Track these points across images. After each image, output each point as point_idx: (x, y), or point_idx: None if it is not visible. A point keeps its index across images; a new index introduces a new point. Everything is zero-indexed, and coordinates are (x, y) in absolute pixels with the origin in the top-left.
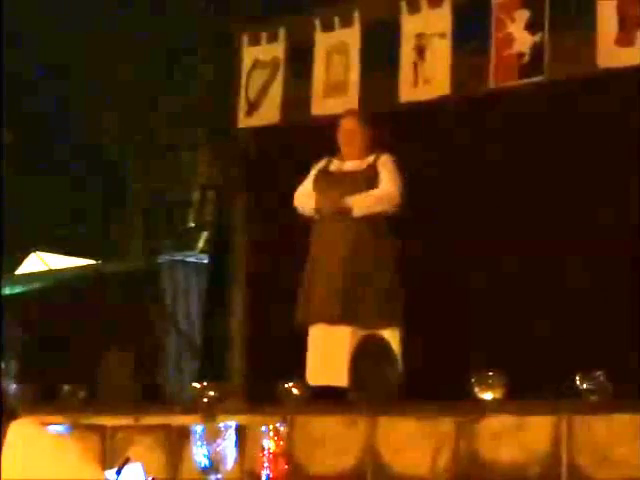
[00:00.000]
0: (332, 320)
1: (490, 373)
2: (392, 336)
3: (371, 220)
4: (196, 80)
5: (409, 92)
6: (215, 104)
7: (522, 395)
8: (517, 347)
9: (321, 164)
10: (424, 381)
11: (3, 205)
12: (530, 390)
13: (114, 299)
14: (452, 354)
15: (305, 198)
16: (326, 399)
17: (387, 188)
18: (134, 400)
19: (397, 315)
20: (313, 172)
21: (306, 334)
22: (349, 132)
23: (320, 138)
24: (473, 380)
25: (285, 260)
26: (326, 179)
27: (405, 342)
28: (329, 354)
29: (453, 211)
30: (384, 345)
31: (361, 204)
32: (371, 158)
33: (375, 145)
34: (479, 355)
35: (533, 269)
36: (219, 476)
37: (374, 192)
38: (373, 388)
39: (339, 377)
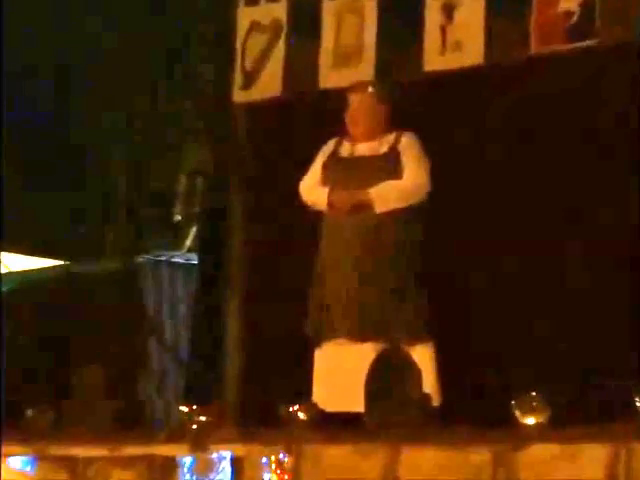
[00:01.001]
0: (352, 335)
1: (533, 394)
2: (422, 352)
3: (395, 215)
4: (184, 47)
5: (435, 60)
6: (205, 74)
7: (570, 420)
8: (565, 365)
9: (329, 148)
10: (456, 404)
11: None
12: (580, 413)
13: (86, 305)
14: (489, 372)
15: (314, 191)
16: (338, 424)
17: (414, 177)
18: (110, 426)
19: (427, 328)
20: (320, 158)
21: (314, 349)
22: (358, 110)
23: (330, 115)
24: (513, 402)
25: (289, 260)
26: (337, 167)
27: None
28: (346, 374)
29: (490, 204)
30: (406, 360)
31: (384, 198)
32: (391, 138)
33: (394, 122)
34: (520, 374)
35: (581, 277)
36: None
37: (399, 183)
38: (394, 411)
39: (358, 401)
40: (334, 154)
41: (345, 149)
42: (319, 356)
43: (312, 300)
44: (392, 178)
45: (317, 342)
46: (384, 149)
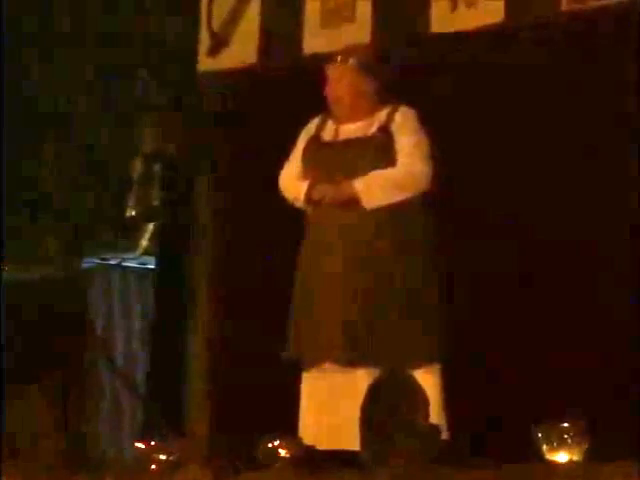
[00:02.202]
0: (340, 361)
1: (565, 425)
2: (427, 377)
3: (393, 210)
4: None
5: (445, 19)
6: (164, 38)
7: (608, 455)
8: (601, 391)
9: (310, 129)
10: (471, 436)
11: None
12: (619, 449)
13: (19, 318)
14: (508, 400)
15: (293, 184)
16: (328, 462)
17: (408, 164)
18: (49, 465)
19: (435, 348)
20: (301, 143)
21: (295, 374)
22: (338, 85)
23: (316, 85)
24: (540, 435)
25: (267, 266)
26: (319, 153)
27: (447, 384)
28: (332, 406)
29: (511, 197)
30: (410, 385)
31: (372, 192)
32: (382, 115)
33: (387, 95)
34: (549, 402)
35: (611, 298)
36: None
37: (389, 172)
38: (396, 445)
39: (349, 438)
40: (316, 138)
41: (328, 131)
42: (305, 384)
43: (291, 317)
44: (384, 164)
45: (301, 367)
46: (373, 130)
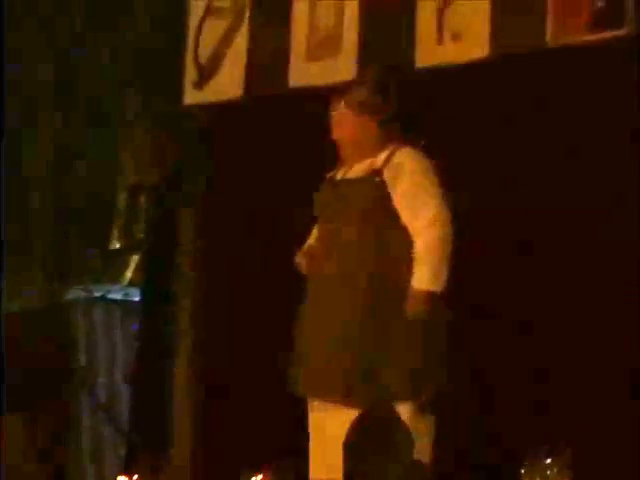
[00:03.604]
0: (328, 396)
1: (548, 462)
2: (410, 412)
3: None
4: (128, 33)
5: (430, 53)
6: (152, 70)
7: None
8: (588, 420)
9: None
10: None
11: None
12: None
13: (1, 351)
14: (494, 435)
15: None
16: None
17: (425, 217)
18: None
19: (420, 384)
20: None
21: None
22: (338, 126)
23: (303, 118)
24: (523, 471)
25: (254, 299)
26: (324, 192)
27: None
28: (328, 441)
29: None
30: (393, 420)
31: (437, 276)
32: (382, 156)
33: (394, 134)
34: (545, 413)
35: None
36: None
37: (424, 250)
38: None
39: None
40: (330, 178)
41: (340, 172)
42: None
43: (295, 348)
44: (374, 206)
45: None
46: (368, 170)
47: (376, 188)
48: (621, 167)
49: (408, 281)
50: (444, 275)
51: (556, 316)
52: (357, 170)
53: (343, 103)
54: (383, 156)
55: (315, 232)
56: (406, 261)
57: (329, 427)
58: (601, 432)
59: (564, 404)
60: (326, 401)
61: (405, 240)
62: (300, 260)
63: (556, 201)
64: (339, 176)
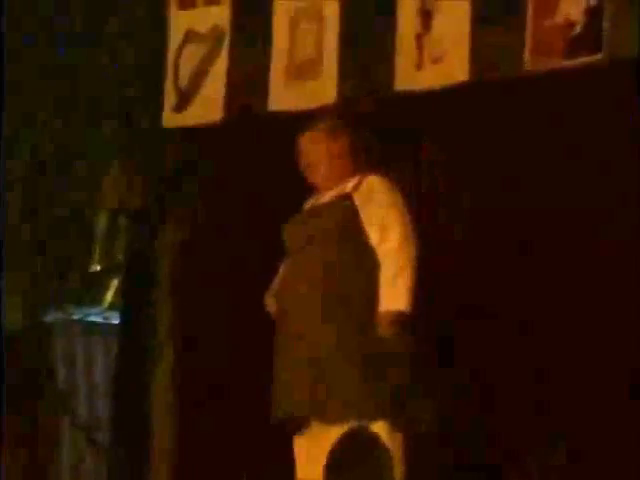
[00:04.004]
0: (296, 411)
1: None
2: (389, 433)
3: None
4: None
5: (409, 77)
6: (132, 94)
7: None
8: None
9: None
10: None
11: None
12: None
13: None
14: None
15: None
16: None
17: (389, 242)
18: None
19: (386, 401)
20: None
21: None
22: (306, 153)
23: (282, 142)
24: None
25: (236, 322)
26: (293, 221)
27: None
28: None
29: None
30: (374, 442)
31: (401, 295)
32: (350, 183)
33: (360, 163)
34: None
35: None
36: None
37: (390, 272)
38: None
39: None
40: (301, 208)
41: (310, 201)
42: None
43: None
44: (341, 232)
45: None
46: (333, 198)
47: (345, 211)
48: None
49: (375, 301)
50: (411, 296)
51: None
52: (326, 197)
53: (319, 132)
54: (352, 183)
55: (281, 272)
56: (373, 282)
57: (307, 446)
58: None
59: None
60: (296, 418)
61: (373, 262)
62: (268, 302)
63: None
64: (308, 206)
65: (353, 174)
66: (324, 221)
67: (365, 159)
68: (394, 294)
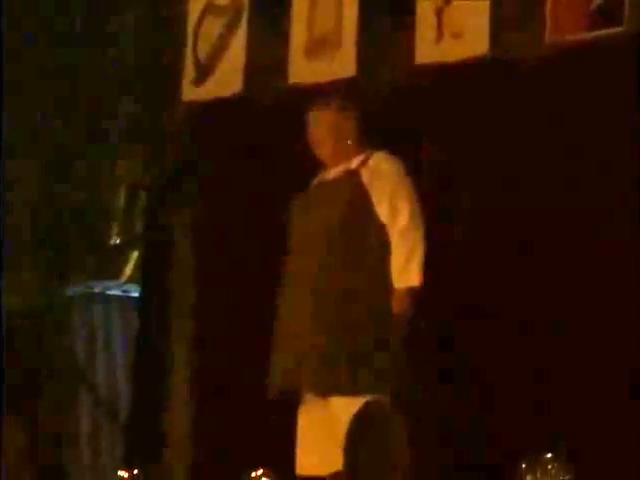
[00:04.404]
0: (316, 391)
1: (548, 455)
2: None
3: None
4: (123, 33)
5: (429, 50)
6: (150, 68)
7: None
8: (587, 419)
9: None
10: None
11: None
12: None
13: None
14: (493, 428)
15: None
16: None
17: (401, 221)
18: None
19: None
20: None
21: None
22: (315, 130)
23: (301, 115)
24: (524, 466)
25: (251, 295)
26: (303, 197)
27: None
28: (310, 432)
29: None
30: (383, 416)
31: (415, 271)
32: (357, 160)
33: (368, 141)
34: (533, 431)
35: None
36: None
37: (402, 249)
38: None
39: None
40: (308, 185)
41: (317, 177)
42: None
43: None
44: (349, 207)
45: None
46: (343, 173)
47: (353, 187)
48: (621, 167)
49: (381, 276)
50: (422, 271)
51: (556, 316)
52: (333, 173)
53: (328, 104)
54: (359, 159)
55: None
56: (380, 259)
57: (309, 417)
58: (601, 432)
59: (564, 404)
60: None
61: (380, 237)
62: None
63: (556, 201)
64: (315, 182)
65: (358, 152)
66: (332, 197)
67: (371, 139)
68: (408, 271)
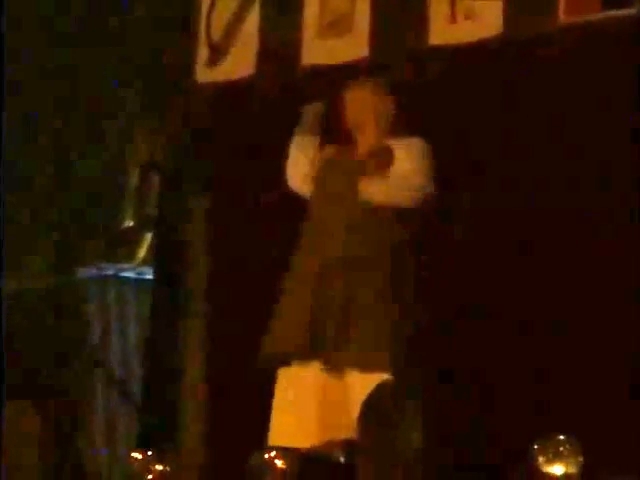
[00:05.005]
0: (295, 353)
1: (561, 437)
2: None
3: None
4: (136, 14)
5: (444, 31)
6: (163, 48)
7: (606, 468)
8: (600, 402)
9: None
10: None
11: None
12: (616, 461)
13: (13, 330)
14: (505, 411)
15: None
16: (323, 473)
17: (403, 167)
18: (44, 476)
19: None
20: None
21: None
22: (354, 112)
23: (314, 95)
24: (536, 447)
25: (266, 273)
26: (327, 175)
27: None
28: (293, 401)
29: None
30: (395, 395)
31: (375, 189)
32: (392, 140)
33: (401, 124)
34: (546, 413)
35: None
36: None
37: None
38: (382, 456)
39: (304, 436)
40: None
41: (342, 152)
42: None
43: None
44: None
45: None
46: (376, 149)
47: (387, 164)
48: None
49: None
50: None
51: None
52: (365, 150)
53: (362, 86)
54: (393, 140)
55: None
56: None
57: (292, 387)
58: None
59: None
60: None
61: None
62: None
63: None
64: (343, 155)
65: (395, 135)
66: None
67: (405, 123)
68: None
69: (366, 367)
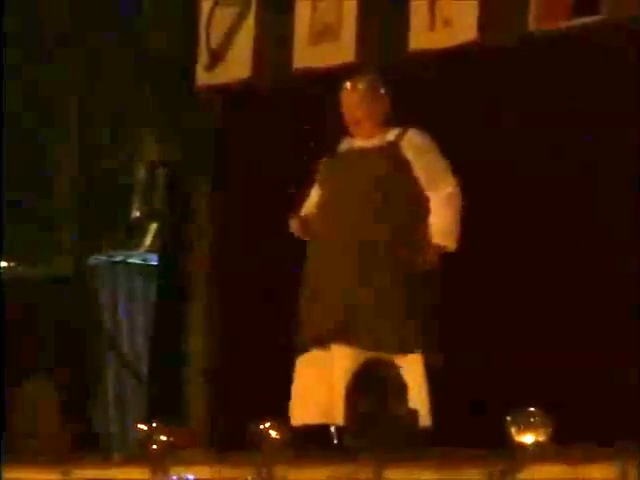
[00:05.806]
0: (322, 338)
1: (531, 409)
2: (412, 364)
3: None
4: (142, 22)
5: (422, 37)
6: (168, 54)
7: (574, 438)
8: (567, 378)
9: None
10: (449, 422)
11: None
12: (585, 431)
13: (30, 314)
14: (481, 387)
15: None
16: (315, 444)
17: (446, 189)
18: (62, 447)
19: (419, 336)
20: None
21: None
22: (354, 110)
23: (304, 97)
24: (509, 419)
25: (262, 263)
26: (335, 162)
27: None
28: (317, 383)
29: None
30: (390, 371)
31: (451, 234)
32: (392, 133)
33: (395, 118)
34: (517, 389)
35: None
36: None
37: (446, 212)
38: (378, 430)
39: (327, 413)
40: (333, 152)
41: (344, 144)
42: (296, 367)
43: (299, 311)
44: (394, 172)
45: (300, 349)
46: (384, 144)
47: (394, 157)
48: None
49: (414, 242)
50: (455, 235)
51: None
52: (371, 142)
53: (369, 82)
54: (395, 132)
55: (313, 198)
56: (418, 223)
57: (314, 370)
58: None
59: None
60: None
61: (419, 205)
62: (295, 225)
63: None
64: (346, 147)
65: (390, 128)
66: (372, 165)
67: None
68: (451, 233)
69: (402, 349)
